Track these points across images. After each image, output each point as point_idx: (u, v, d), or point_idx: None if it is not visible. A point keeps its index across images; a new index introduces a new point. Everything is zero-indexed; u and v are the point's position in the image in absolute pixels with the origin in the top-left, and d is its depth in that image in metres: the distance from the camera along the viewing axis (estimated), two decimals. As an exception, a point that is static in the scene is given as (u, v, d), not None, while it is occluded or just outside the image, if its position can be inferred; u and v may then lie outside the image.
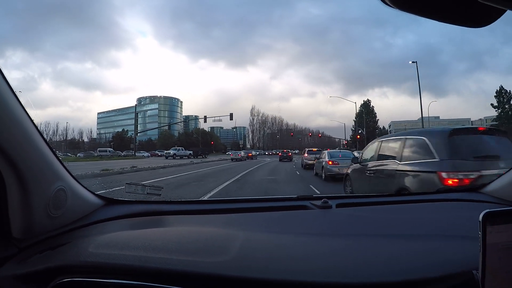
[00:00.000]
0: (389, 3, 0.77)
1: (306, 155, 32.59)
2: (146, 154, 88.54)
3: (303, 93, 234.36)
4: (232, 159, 58.31)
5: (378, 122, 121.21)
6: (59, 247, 1.44)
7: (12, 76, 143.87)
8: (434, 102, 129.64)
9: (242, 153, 60.98)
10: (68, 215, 1.66)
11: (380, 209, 2.21)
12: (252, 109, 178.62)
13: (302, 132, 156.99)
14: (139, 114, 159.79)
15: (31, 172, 1.38)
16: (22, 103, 1.34)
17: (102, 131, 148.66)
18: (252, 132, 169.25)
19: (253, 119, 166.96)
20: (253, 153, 71.85)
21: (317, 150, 33.69)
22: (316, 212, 2.06)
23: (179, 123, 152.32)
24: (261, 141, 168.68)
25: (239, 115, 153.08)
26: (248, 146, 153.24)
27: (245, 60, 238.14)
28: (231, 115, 67.17)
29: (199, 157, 67.24)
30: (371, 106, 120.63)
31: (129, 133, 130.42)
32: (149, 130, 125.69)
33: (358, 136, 70.60)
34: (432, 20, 0.82)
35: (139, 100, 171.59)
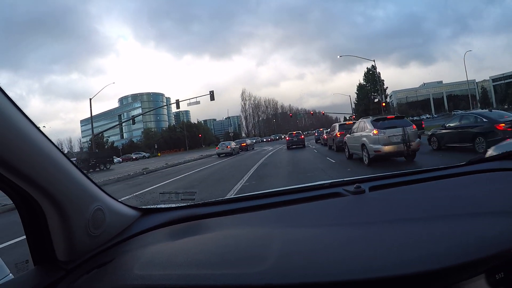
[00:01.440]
0: None
1: (338, 133, 25.05)
2: (116, 159, 73.19)
3: (292, 76, 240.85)
4: (218, 155, 40.70)
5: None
6: (105, 265, 1.43)
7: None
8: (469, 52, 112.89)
9: (233, 144, 44.05)
10: (108, 231, 1.62)
11: (413, 189, 2.00)
12: (243, 93, 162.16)
13: (298, 112, 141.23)
14: (123, 115, 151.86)
15: (67, 198, 1.36)
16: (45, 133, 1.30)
17: (87, 139, 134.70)
18: (245, 118, 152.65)
19: (244, 104, 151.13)
20: (248, 142, 54.70)
21: (352, 122, 24.39)
22: (349, 198, 1.93)
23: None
24: (256, 128, 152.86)
25: (231, 105, 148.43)
26: (244, 134, 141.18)
27: (229, 50, 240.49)
28: (211, 94, 49.74)
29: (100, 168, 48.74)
30: (377, 72, 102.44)
31: (107, 138, 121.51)
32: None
33: (384, 104, 52.26)
34: None
35: (121, 100, 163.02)
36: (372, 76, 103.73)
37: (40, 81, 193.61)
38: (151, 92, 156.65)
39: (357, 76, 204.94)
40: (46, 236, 1.38)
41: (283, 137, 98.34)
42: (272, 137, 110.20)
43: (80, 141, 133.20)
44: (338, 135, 24.32)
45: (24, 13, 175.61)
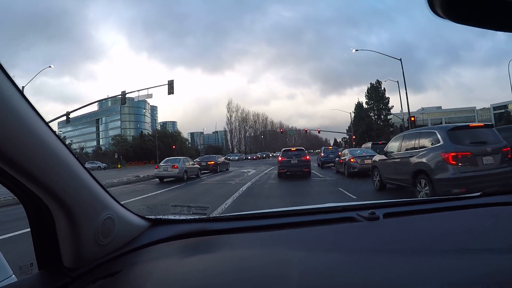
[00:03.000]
0: (441, 15, 0.70)
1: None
2: None
3: (283, 95, 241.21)
4: (160, 179, 24.54)
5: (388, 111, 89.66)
6: (112, 276, 1.41)
7: None
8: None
9: (187, 162, 25.91)
10: (117, 240, 1.57)
11: (427, 218, 1.99)
12: (229, 103, 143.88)
13: (289, 130, 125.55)
14: (101, 119, 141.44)
15: (77, 204, 1.32)
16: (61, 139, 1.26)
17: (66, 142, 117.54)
18: (230, 132, 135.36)
19: (230, 116, 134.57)
20: (220, 159, 36.42)
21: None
22: (363, 224, 1.88)
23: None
24: (242, 143, 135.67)
25: (220, 120, 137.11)
26: (235, 150, 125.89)
27: (222, 65, 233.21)
28: (170, 85, 35.38)
29: None
30: (381, 88, 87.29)
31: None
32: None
33: (413, 118, 37.07)
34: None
35: (100, 104, 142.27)
36: (375, 93, 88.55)
37: (31, 81, 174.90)
38: (133, 97, 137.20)
39: (346, 100, 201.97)
40: (53, 240, 1.33)
41: (270, 155, 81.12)
42: (258, 154, 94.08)
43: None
44: (353, 160, 19.85)
45: (20, 11, 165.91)
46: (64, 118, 37.98)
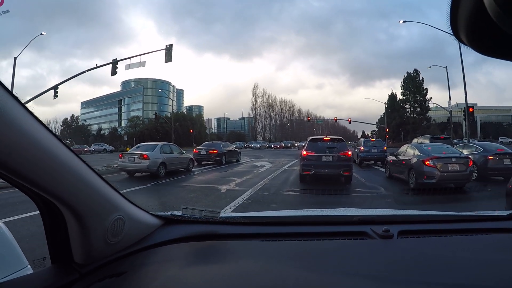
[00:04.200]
0: (465, 42, 0.71)
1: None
2: None
3: (311, 85, 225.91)
4: (128, 173, 16.82)
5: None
6: (119, 276, 1.43)
7: (22, 74, 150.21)
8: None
9: (156, 153, 16.85)
10: (127, 239, 1.58)
11: (445, 242, 1.86)
12: (255, 87, 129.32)
13: (317, 119, 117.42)
14: (123, 100, 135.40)
15: (87, 208, 1.35)
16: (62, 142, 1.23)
17: (86, 123, 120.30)
18: (255, 118, 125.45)
19: (255, 101, 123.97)
20: (228, 148, 27.22)
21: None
22: (376, 243, 1.80)
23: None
24: (267, 130, 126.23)
25: (247, 107, 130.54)
26: (259, 137, 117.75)
27: (250, 52, 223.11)
28: (167, 51, 28.38)
29: None
30: (419, 78, 78.71)
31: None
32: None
33: (472, 109, 28.17)
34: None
35: (123, 85, 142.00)
36: (412, 83, 79.74)
37: (61, 63, 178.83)
38: (157, 79, 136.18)
39: (375, 92, 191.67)
40: (65, 237, 1.37)
41: (296, 144, 72.42)
42: (282, 143, 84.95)
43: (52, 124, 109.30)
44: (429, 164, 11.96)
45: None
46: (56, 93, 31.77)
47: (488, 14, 0.58)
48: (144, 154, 15.77)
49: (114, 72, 29.97)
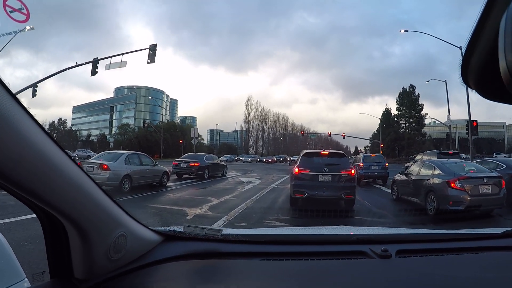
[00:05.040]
0: (473, 88, 0.74)
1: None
2: None
3: (305, 100, 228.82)
4: None
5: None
6: None
7: (17, 75, 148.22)
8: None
9: (119, 163, 14.19)
10: (128, 255, 1.57)
11: (443, 261, 1.88)
12: (248, 100, 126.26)
13: (311, 133, 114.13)
14: (116, 107, 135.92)
15: (90, 223, 1.33)
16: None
17: (75, 128, 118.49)
18: (247, 131, 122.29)
19: (249, 113, 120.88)
20: (212, 161, 23.89)
21: None
22: (375, 262, 1.82)
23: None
24: (259, 143, 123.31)
25: (241, 120, 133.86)
26: (251, 150, 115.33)
27: (245, 66, 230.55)
28: (151, 51, 26.05)
29: None
30: (415, 94, 77.38)
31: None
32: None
33: (475, 123, 26.47)
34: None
35: (116, 91, 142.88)
36: (408, 98, 78.10)
37: (58, 65, 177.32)
38: (151, 87, 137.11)
39: (367, 108, 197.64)
40: (66, 251, 1.35)
41: (288, 159, 69.96)
42: (274, 157, 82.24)
43: (45, 125, 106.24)
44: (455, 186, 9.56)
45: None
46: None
47: (496, 71, 0.60)
48: (104, 164, 13.08)
49: (94, 72, 27.94)
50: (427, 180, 10.30)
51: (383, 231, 2.55)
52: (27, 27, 36.50)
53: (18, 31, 25.33)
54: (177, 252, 1.76)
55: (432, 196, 9.59)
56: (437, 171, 10.22)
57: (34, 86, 29.64)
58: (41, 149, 1.03)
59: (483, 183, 9.11)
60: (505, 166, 12.31)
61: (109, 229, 1.42)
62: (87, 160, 15.09)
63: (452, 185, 9.11)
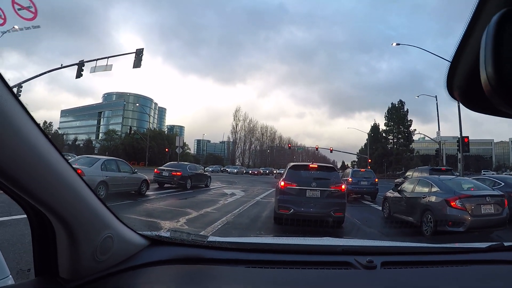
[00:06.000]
0: (457, 99, 0.76)
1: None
2: None
3: (292, 113, 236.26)
4: None
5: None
6: None
7: (7, 76, 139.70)
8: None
9: (94, 169, 13.26)
10: (114, 257, 1.56)
11: (427, 273, 1.91)
12: (237, 111, 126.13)
13: (298, 146, 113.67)
14: (104, 113, 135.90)
15: (79, 223, 1.33)
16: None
17: (62, 132, 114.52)
18: (234, 142, 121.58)
19: (236, 124, 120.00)
20: (196, 171, 22.76)
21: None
22: (359, 273, 1.82)
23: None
24: (246, 155, 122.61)
25: (228, 131, 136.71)
26: (238, 162, 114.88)
27: (234, 77, 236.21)
28: (137, 55, 25.74)
29: None
30: (404, 109, 77.61)
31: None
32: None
33: (467, 139, 25.72)
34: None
35: (105, 97, 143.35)
36: (396, 114, 78.24)
37: (47, 69, 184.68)
38: (139, 95, 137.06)
39: (354, 123, 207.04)
40: (53, 250, 1.35)
41: (274, 172, 69.12)
42: (260, 170, 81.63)
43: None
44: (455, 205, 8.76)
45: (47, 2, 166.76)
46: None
47: (478, 86, 0.63)
48: (78, 169, 11.83)
49: (79, 75, 27.36)
50: (423, 198, 9.54)
51: (368, 243, 2.52)
52: (32, 26, 36.21)
53: (24, 28, 25.17)
54: (162, 257, 1.75)
55: (429, 216, 8.86)
56: (434, 189, 9.44)
57: (18, 86, 28.66)
58: (36, 146, 1.03)
59: (485, 202, 8.41)
60: (503, 183, 11.70)
61: (97, 230, 1.41)
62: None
63: (452, 204, 8.40)
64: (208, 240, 1.94)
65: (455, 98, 0.73)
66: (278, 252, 2.01)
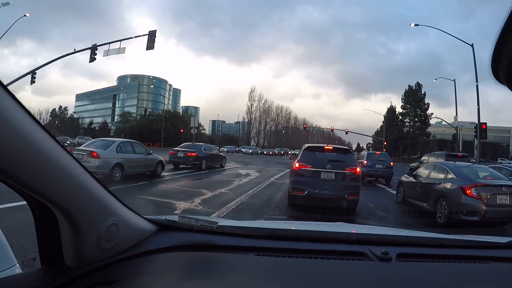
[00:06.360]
0: (504, 83, 0.73)
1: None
2: None
3: (308, 94, 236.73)
4: None
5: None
6: (109, 284, 1.40)
7: (22, 64, 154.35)
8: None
9: (110, 151, 13.37)
10: (120, 244, 1.53)
11: (445, 269, 1.79)
12: (252, 91, 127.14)
13: (313, 127, 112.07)
14: (118, 95, 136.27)
15: (81, 211, 1.30)
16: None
17: (77, 116, 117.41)
18: (249, 122, 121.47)
19: (251, 105, 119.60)
20: (211, 151, 22.96)
21: None
22: (374, 265, 1.74)
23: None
24: (261, 135, 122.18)
25: (243, 111, 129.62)
26: (252, 142, 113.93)
27: (248, 58, 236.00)
28: (150, 37, 25.06)
29: None
30: (421, 92, 76.15)
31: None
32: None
33: (484, 126, 25.01)
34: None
35: (119, 79, 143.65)
36: (413, 97, 76.76)
37: (61, 55, 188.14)
38: (153, 76, 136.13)
39: (370, 105, 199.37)
40: (57, 239, 1.33)
41: (289, 152, 69.06)
42: (275, 150, 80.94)
43: (44, 114, 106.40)
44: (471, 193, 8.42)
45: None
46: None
47: None
48: (93, 151, 12.26)
49: (92, 59, 27.32)
50: (438, 184, 9.42)
51: (384, 232, 2.42)
52: (27, 14, 36.51)
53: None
54: (170, 243, 1.71)
55: (444, 203, 8.72)
56: (450, 175, 9.30)
57: (32, 73, 29.11)
58: (30, 136, 1.00)
59: (501, 192, 8.19)
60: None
61: (101, 217, 1.38)
62: (78, 147, 14.34)
63: (467, 192, 8.23)
64: (217, 225, 1.89)
65: (501, 82, 0.68)
66: (290, 239, 1.94)
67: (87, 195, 1.30)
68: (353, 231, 2.21)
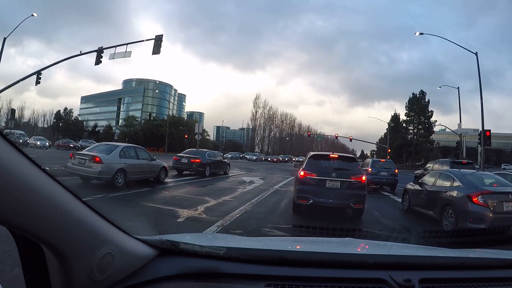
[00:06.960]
0: None
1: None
2: (41, 142, 49.67)
3: (311, 101, 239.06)
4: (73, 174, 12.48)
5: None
6: None
7: (29, 64, 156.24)
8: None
9: (112, 156, 13.01)
10: (116, 274, 1.42)
11: None
12: (257, 98, 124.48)
13: (318, 134, 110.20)
14: (123, 99, 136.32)
15: (70, 246, 1.20)
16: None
17: (82, 118, 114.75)
18: (254, 129, 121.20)
19: (256, 111, 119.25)
20: (214, 158, 22.69)
21: None
22: None
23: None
24: (265, 142, 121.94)
25: (248, 118, 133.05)
26: (257, 149, 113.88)
27: (253, 65, 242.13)
28: (156, 41, 25.28)
29: None
30: (425, 100, 75.98)
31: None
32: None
33: (488, 133, 24.97)
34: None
35: (125, 83, 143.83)
36: (417, 104, 76.76)
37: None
38: (158, 81, 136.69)
39: (373, 113, 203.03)
40: (44, 272, 1.23)
41: (294, 159, 68.99)
42: (279, 157, 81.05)
43: (48, 115, 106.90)
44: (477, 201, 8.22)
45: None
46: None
47: None
48: (96, 156, 12.04)
49: (98, 61, 27.20)
50: (444, 192, 9.26)
51: (401, 251, 2.31)
52: (34, 14, 36.80)
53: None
54: (172, 271, 1.59)
55: (450, 211, 8.61)
56: (456, 183, 9.15)
57: (38, 73, 29.00)
58: (3, 163, 0.90)
59: (508, 199, 8.05)
60: (525, 180, 11.21)
61: (93, 248, 1.27)
62: (79, 152, 14.14)
63: (474, 199, 8.07)
64: (224, 252, 1.77)
65: None
66: (302, 265, 1.82)
67: (76, 225, 1.20)
68: (367, 251, 2.13)
